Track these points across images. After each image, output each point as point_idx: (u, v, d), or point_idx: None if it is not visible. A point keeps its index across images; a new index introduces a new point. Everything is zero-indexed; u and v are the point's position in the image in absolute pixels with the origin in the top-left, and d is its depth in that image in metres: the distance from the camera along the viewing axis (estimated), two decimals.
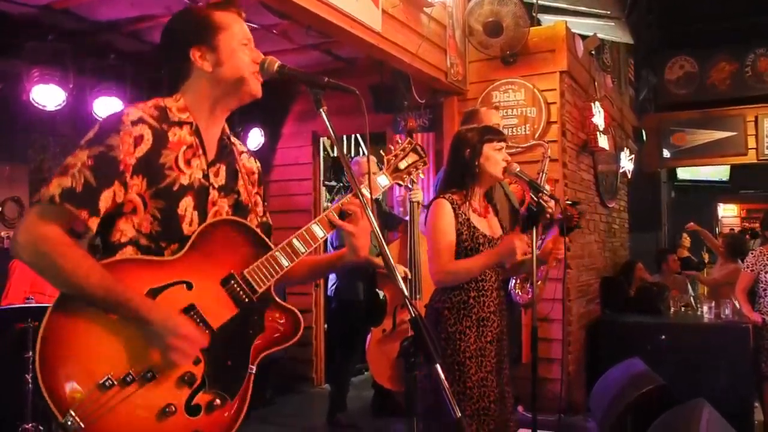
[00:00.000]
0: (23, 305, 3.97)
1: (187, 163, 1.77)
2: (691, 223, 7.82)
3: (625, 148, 7.57)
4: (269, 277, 1.77)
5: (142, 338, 1.60)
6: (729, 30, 9.00)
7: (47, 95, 4.66)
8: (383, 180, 2.07)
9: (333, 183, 7.93)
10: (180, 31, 1.84)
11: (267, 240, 1.86)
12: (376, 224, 1.74)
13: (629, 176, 7.79)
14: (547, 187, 5.26)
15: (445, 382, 1.60)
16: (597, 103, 5.97)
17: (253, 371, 1.77)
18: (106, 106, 5.01)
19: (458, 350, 2.96)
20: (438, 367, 1.62)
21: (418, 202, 4.83)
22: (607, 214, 7.03)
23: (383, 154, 2.19)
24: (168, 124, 1.75)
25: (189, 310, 1.67)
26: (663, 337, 5.51)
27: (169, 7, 4.39)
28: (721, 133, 8.76)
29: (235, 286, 1.74)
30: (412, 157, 2.13)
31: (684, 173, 11.37)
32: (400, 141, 2.18)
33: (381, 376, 5.03)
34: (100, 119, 1.74)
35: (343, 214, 1.94)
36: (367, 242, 1.95)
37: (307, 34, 4.83)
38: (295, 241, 1.83)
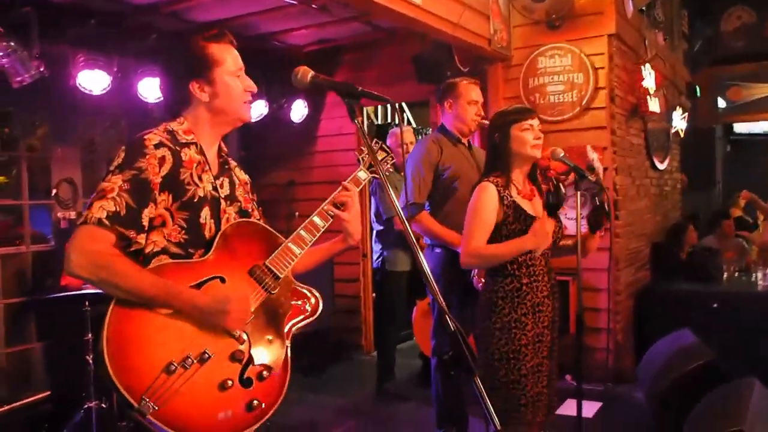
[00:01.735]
0: (79, 293, 4.10)
1: (199, 178, 2.02)
2: (745, 191, 7.58)
3: (678, 107, 7.33)
4: (288, 264, 2.06)
5: (194, 324, 1.84)
6: None
7: (93, 80, 4.72)
8: (363, 174, 2.32)
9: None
10: (180, 66, 2.06)
11: (277, 233, 2.15)
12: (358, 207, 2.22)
13: (682, 135, 7.56)
14: (596, 158, 5.19)
15: (485, 397, 1.73)
16: (648, 65, 5.78)
17: (288, 345, 2.04)
18: (150, 86, 5.07)
19: (514, 339, 2.98)
20: (477, 380, 1.69)
21: None
22: (658, 177, 6.86)
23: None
24: (179, 145, 2.00)
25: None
26: (715, 305, 5.41)
27: None
28: None
29: (261, 274, 2.01)
30: (381, 155, 2.43)
31: (740, 127, 10.94)
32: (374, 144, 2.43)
33: (427, 348, 5.07)
34: (124, 146, 1.95)
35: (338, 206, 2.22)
36: (358, 227, 2.28)
37: (345, 7, 4.78)
38: (302, 232, 2.12)
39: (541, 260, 3.05)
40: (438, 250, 3.93)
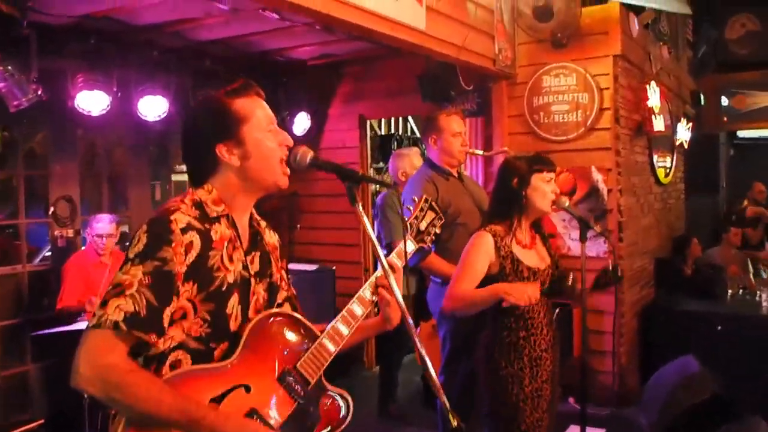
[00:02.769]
0: (76, 328, 4.06)
1: (230, 259, 1.77)
2: (750, 208, 7.54)
3: (682, 119, 7.27)
4: (320, 366, 1.83)
5: None
6: None
7: (92, 101, 4.65)
8: (410, 246, 2.10)
9: (381, 165, 7.80)
10: (203, 128, 1.83)
11: (310, 326, 1.89)
12: (399, 295, 1.88)
13: (686, 146, 7.49)
14: (600, 179, 5.14)
15: None
16: (653, 82, 5.71)
17: None
18: (150, 105, 5.01)
19: (511, 394, 2.92)
20: None
21: None
22: (662, 191, 6.81)
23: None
24: (209, 222, 1.76)
25: (251, 414, 1.70)
26: (719, 327, 5.38)
27: (209, 11, 4.31)
28: None
29: (291, 381, 1.78)
30: (429, 216, 2.17)
31: (744, 132, 10.89)
32: (416, 199, 2.21)
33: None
34: (146, 227, 1.68)
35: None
36: (398, 313, 1.99)
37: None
38: (339, 325, 1.89)
39: (540, 312, 3.00)
40: (446, 288, 3.89)
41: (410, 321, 1.81)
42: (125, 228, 5.86)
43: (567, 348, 5.06)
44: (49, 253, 5.46)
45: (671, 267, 6.37)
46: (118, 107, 4.84)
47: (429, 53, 4.58)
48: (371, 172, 7.05)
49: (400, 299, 1.88)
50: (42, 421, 4.59)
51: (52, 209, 5.29)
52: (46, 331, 4.13)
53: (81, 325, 4.09)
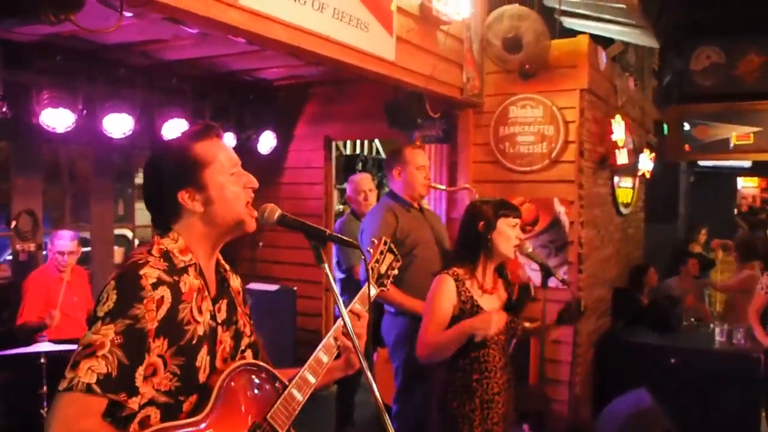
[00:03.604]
0: (35, 350, 4.01)
1: (199, 310, 1.74)
2: (715, 240, 7.72)
3: (645, 150, 7.40)
4: (290, 417, 1.81)
5: None
6: (760, 20, 8.64)
7: (57, 118, 4.63)
8: (372, 291, 2.13)
9: (345, 186, 7.78)
10: (164, 175, 1.78)
11: (277, 374, 1.87)
12: (358, 344, 1.88)
13: (648, 176, 7.64)
14: (563, 212, 5.21)
15: None
16: (618, 116, 5.82)
17: None
18: (116, 122, 4.97)
19: None
20: None
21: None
22: (623, 221, 6.92)
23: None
24: (177, 273, 1.71)
25: None
26: (672, 360, 5.49)
27: (177, 34, 4.30)
28: (745, 128, 8.54)
29: None
30: (388, 258, 2.21)
31: (704, 161, 11.15)
32: (375, 241, 2.25)
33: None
34: (114, 283, 1.62)
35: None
36: (357, 361, 1.98)
37: None
38: (307, 375, 1.87)
39: (495, 355, 3.03)
40: (401, 318, 3.93)
41: (369, 374, 1.80)
42: (87, 248, 5.80)
43: (524, 374, 5.13)
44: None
45: (628, 297, 6.48)
46: (83, 124, 4.80)
47: (397, 83, 4.61)
48: (335, 192, 7.06)
49: (359, 348, 1.87)
50: None
51: (14, 223, 5.21)
52: (5, 352, 4.07)
53: (40, 346, 4.04)
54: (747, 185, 14.92)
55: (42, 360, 4.01)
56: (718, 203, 9.17)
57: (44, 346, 4.08)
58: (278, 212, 1.85)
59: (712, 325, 5.97)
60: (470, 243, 3.08)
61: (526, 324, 3.27)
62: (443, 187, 5.19)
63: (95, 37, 4.44)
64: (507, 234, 3.02)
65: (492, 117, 5.58)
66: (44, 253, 5.39)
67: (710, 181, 11.46)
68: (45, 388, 4.03)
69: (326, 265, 1.85)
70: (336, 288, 1.93)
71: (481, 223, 3.03)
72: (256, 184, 1.84)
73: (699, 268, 7.69)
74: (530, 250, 3.10)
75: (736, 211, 11.58)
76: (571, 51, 5.39)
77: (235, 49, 4.71)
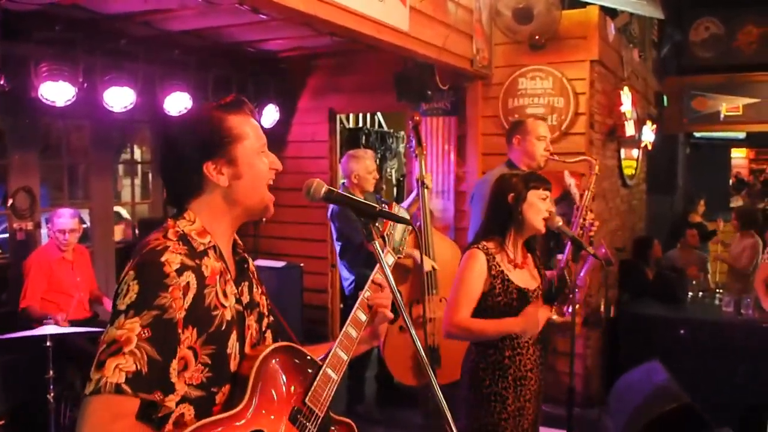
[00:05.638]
0: (41, 332, 3.89)
1: (224, 294, 1.62)
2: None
3: (648, 121, 7.36)
4: (328, 396, 1.74)
5: None
6: None
7: (56, 91, 4.45)
8: (390, 259, 2.05)
9: None
10: (191, 143, 1.64)
11: (307, 352, 1.77)
12: (398, 297, 1.80)
13: (650, 148, 7.60)
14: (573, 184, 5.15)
15: None
16: (626, 88, 5.75)
17: None
18: (116, 95, 4.82)
19: (493, 412, 2.89)
20: None
21: (428, 188, 4.73)
22: (628, 193, 6.89)
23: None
24: (198, 257, 1.58)
25: None
26: (682, 332, 5.48)
27: (184, 3, 4.15)
28: (743, 99, 8.50)
29: (302, 419, 1.68)
30: (400, 227, 2.12)
31: (699, 132, 11.13)
32: (385, 206, 2.25)
33: (400, 373, 5.00)
34: (134, 273, 1.49)
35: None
36: (384, 331, 1.98)
37: None
38: (339, 351, 1.80)
39: None
40: None
41: (413, 332, 1.73)
42: (86, 225, 5.66)
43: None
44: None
45: (635, 270, 6.47)
46: (83, 97, 4.64)
47: (411, 54, 4.52)
48: (339, 167, 6.94)
49: (401, 301, 1.80)
50: (2, 421, 4.40)
51: (10, 201, 5.06)
52: (7, 335, 3.94)
53: (45, 329, 3.92)
54: (736, 155, 15.04)
55: (48, 343, 3.87)
56: (713, 175, 9.13)
57: (49, 329, 3.95)
58: (325, 187, 1.74)
59: (717, 296, 5.97)
60: (500, 216, 2.99)
61: (554, 317, 3.20)
62: (561, 159, 4.86)
63: (96, 6, 4.29)
64: (537, 206, 2.94)
65: (501, 89, 5.50)
66: (43, 231, 5.25)
67: (705, 153, 11.45)
68: (51, 372, 3.89)
69: (377, 242, 1.77)
70: (391, 280, 1.80)
71: (511, 195, 2.95)
72: (280, 166, 1.74)
73: (698, 239, 7.72)
74: (560, 223, 3.02)
75: (731, 182, 11.66)
76: (582, 22, 5.31)
77: (242, 20, 4.56)
